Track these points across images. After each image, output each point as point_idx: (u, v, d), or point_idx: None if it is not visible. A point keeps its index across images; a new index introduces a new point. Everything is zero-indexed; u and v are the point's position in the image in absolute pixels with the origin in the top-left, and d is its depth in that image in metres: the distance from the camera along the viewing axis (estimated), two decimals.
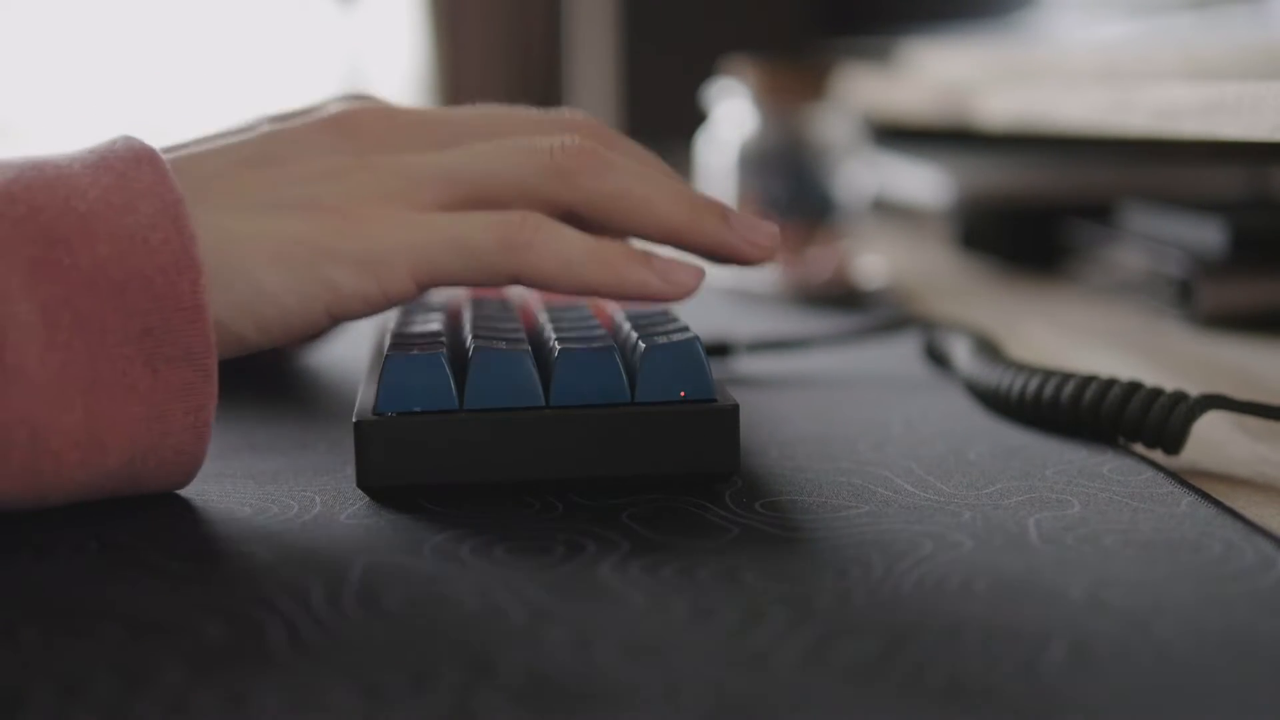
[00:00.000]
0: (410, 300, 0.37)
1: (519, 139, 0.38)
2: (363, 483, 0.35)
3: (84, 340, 0.32)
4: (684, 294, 0.37)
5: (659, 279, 0.36)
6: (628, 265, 0.36)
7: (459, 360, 0.38)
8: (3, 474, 0.32)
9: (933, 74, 0.91)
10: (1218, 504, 0.35)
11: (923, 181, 0.89)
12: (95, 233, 0.32)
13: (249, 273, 0.34)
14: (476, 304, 0.44)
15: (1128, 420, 0.40)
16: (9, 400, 0.31)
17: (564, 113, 0.40)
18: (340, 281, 0.35)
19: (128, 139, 0.35)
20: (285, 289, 0.35)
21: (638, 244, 0.41)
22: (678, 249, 0.38)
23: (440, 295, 0.49)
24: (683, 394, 0.36)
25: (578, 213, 0.37)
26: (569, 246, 0.36)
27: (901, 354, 0.54)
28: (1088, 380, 0.41)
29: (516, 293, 0.50)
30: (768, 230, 0.39)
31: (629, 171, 0.38)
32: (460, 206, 0.37)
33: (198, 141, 0.38)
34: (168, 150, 0.36)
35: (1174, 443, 0.39)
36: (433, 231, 0.36)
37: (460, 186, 0.37)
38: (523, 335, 0.38)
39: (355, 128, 0.38)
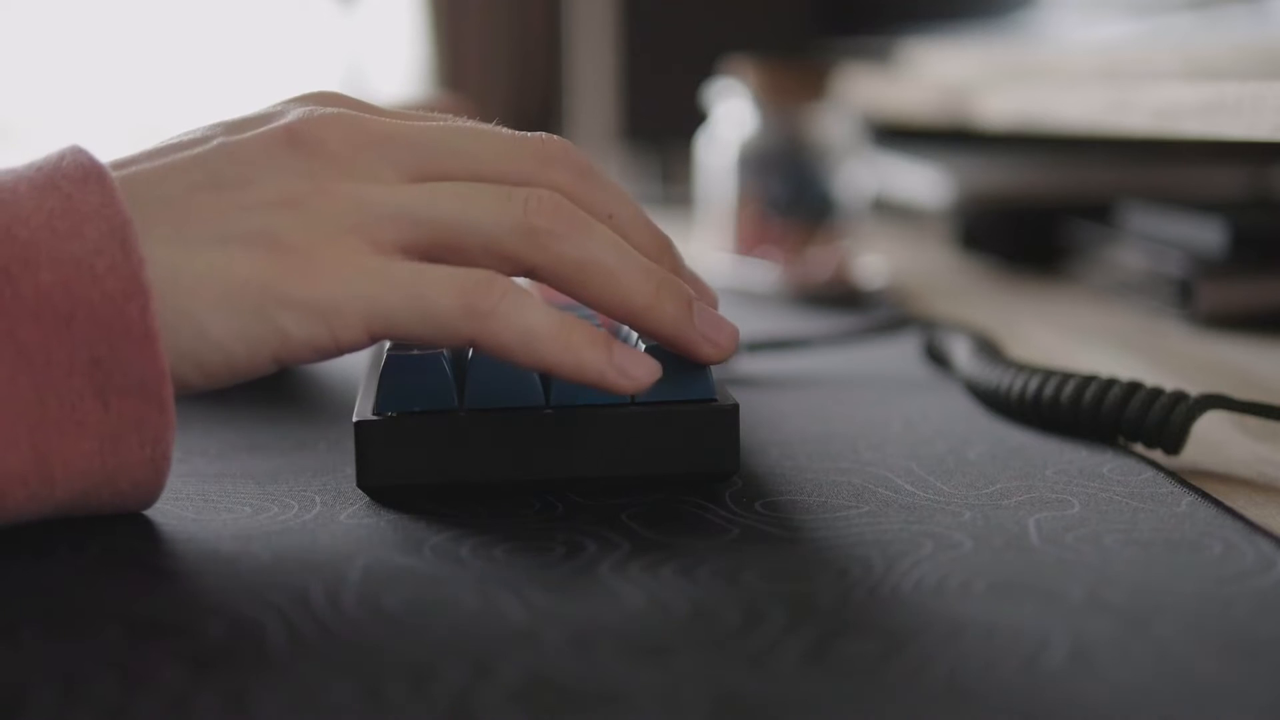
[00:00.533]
0: (362, 349, 0.35)
1: (491, 187, 0.35)
2: (363, 483, 0.35)
3: (29, 374, 0.30)
4: (637, 389, 0.34)
5: (615, 372, 0.34)
6: (589, 351, 0.34)
7: (459, 360, 0.38)
8: None
9: (933, 74, 0.91)
10: (1218, 504, 0.35)
11: (923, 181, 0.89)
12: (38, 261, 0.31)
13: (194, 316, 0.32)
14: None
15: (1128, 420, 0.40)
16: None
17: (540, 138, 0.37)
18: (290, 329, 0.33)
19: (76, 152, 0.33)
20: (231, 334, 0.32)
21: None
22: (629, 326, 0.36)
23: None
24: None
25: (540, 275, 0.35)
26: (533, 320, 0.34)
27: (901, 354, 0.54)
28: (1088, 380, 0.41)
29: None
30: (729, 331, 0.37)
31: (601, 241, 0.35)
32: (421, 249, 0.35)
33: (148, 155, 0.35)
34: (117, 166, 0.34)
35: (1174, 443, 0.39)
36: (392, 286, 0.33)
37: (423, 229, 0.34)
38: None
39: (316, 144, 0.35)
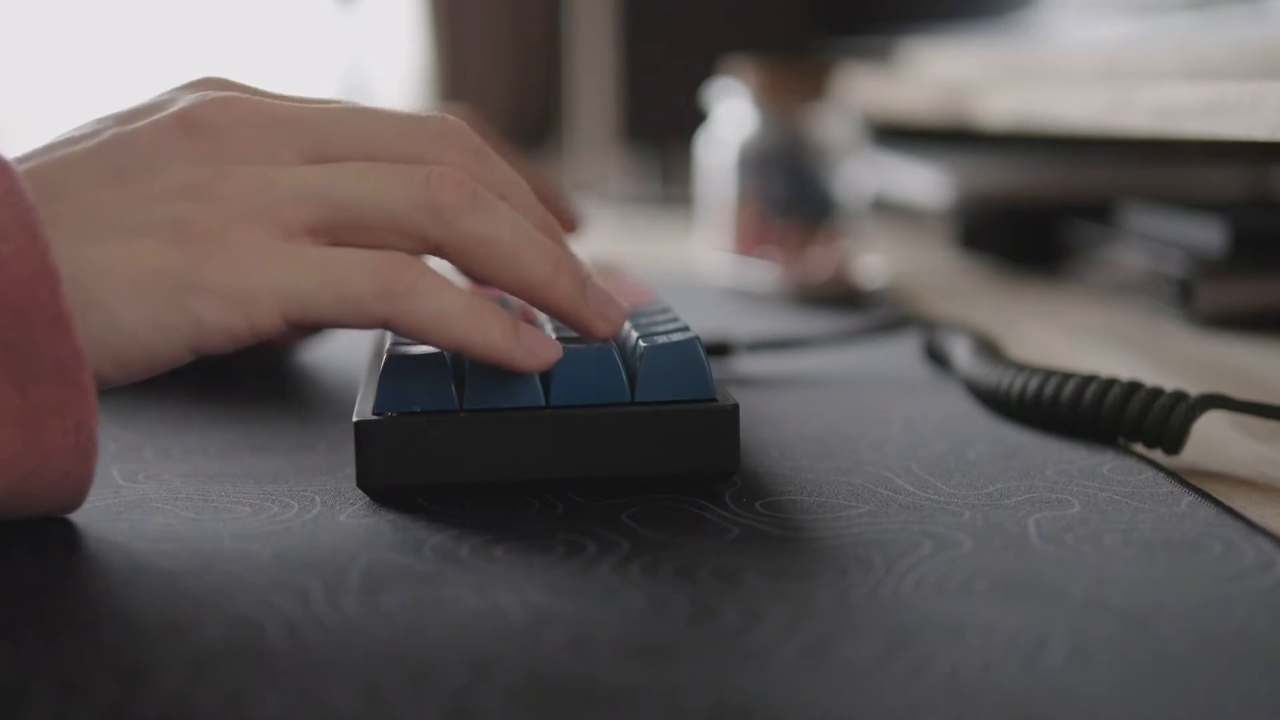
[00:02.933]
0: (278, 335, 0.35)
1: (393, 165, 0.36)
2: (363, 483, 0.35)
3: None
4: (541, 366, 0.35)
5: (523, 352, 0.35)
6: (499, 331, 0.35)
7: (459, 360, 0.38)
8: None
9: (933, 74, 0.90)
10: (1218, 504, 0.35)
11: (923, 181, 0.89)
12: None
13: (105, 305, 0.32)
14: None
15: (1128, 420, 0.40)
16: None
17: (435, 117, 0.37)
18: (205, 316, 0.33)
19: None
20: (144, 323, 0.32)
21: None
22: (527, 301, 0.37)
23: None
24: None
25: (443, 251, 0.36)
26: (447, 301, 0.34)
27: (901, 354, 0.54)
28: (1088, 380, 0.41)
29: None
30: (618, 308, 0.38)
31: (502, 218, 0.36)
32: (328, 229, 0.35)
33: (44, 150, 0.35)
34: (18, 160, 0.34)
35: (1174, 443, 0.39)
36: (306, 270, 0.33)
37: (329, 209, 0.34)
38: None
39: (210, 128, 0.35)
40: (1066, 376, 0.42)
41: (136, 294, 0.32)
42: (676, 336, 0.37)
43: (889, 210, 1.01)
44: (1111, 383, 0.40)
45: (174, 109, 0.35)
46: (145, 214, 0.33)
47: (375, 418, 0.35)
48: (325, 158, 0.36)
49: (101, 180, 0.33)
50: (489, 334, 0.35)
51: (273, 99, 0.37)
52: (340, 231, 0.35)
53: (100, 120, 0.36)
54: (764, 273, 0.71)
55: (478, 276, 0.36)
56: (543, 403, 0.36)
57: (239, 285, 0.33)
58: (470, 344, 0.35)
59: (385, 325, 0.34)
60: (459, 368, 0.37)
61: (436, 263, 0.41)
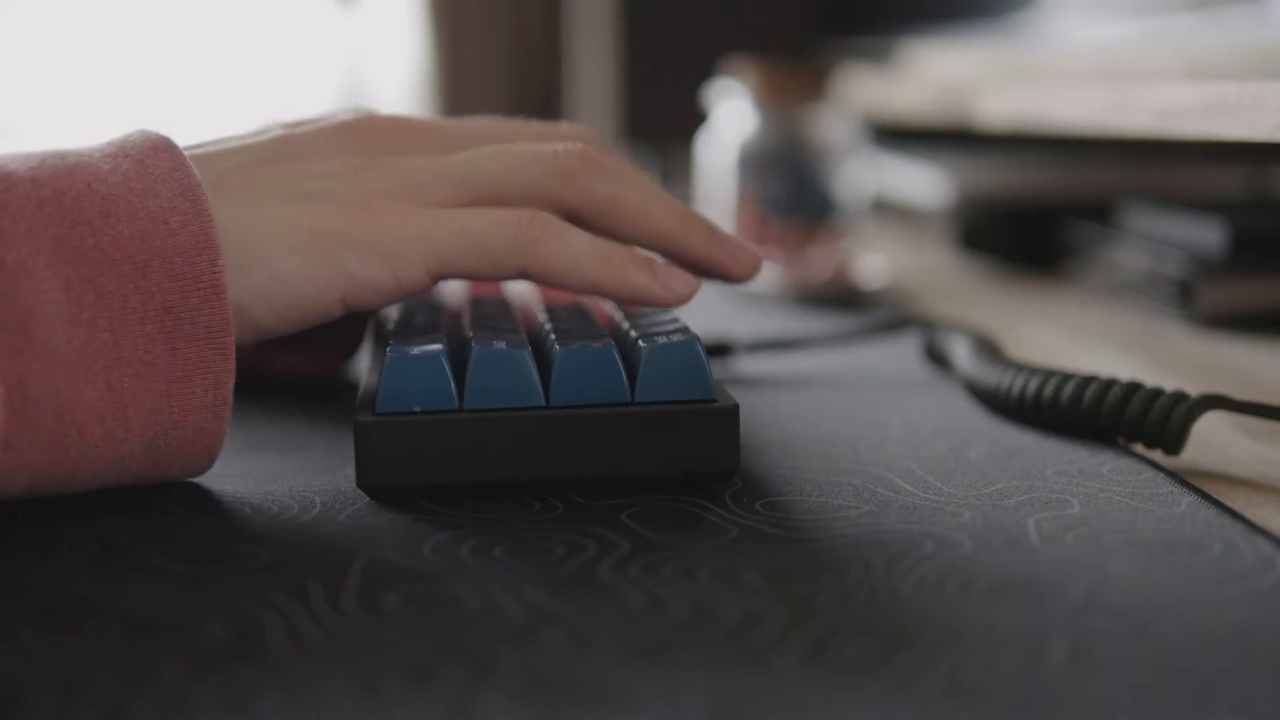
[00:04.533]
0: (422, 290, 0.38)
1: (524, 144, 0.40)
2: (363, 483, 0.35)
3: (107, 318, 0.33)
4: (680, 301, 0.39)
5: (659, 284, 0.39)
6: (632, 268, 0.38)
7: (459, 360, 0.38)
8: (33, 445, 0.32)
9: (933, 74, 0.90)
10: (1218, 504, 0.35)
11: (923, 181, 0.89)
12: (117, 214, 0.33)
13: (268, 259, 0.36)
14: (476, 303, 0.44)
15: (1128, 420, 0.40)
16: (37, 374, 0.32)
17: (563, 126, 0.43)
18: (356, 270, 0.36)
19: (143, 131, 0.36)
20: (303, 275, 0.36)
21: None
22: (666, 256, 0.41)
23: (440, 295, 0.49)
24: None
25: (578, 214, 0.39)
26: (576, 245, 0.38)
27: (901, 354, 0.54)
28: (1088, 380, 0.41)
29: (517, 291, 0.50)
30: (753, 251, 0.42)
31: (627, 178, 0.40)
32: (467, 205, 0.38)
33: (213, 142, 0.39)
34: (185, 148, 0.37)
35: (1174, 443, 0.39)
36: (445, 225, 0.37)
37: (467, 187, 0.38)
38: (522, 335, 0.38)
39: (367, 132, 0.39)
40: (1066, 377, 0.42)
41: (296, 250, 0.36)
42: (676, 337, 0.37)
43: (889, 210, 1.01)
44: (1111, 383, 0.40)
45: (338, 119, 0.40)
46: (304, 186, 0.37)
47: (375, 418, 0.35)
48: (463, 149, 0.40)
49: (265, 161, 0.38)
50: (624, 273, 0.38)
51: (418, 119, 0.42)
52: (478, 205, 0.39)
53: (267, 125, 0.41)
54: (764, 273, 0.71)
55: (613, 234, 0.40)
56: (543, 403, 0.36)
57: (386, 240, 0.37)
58: (605, 282, 0.38)
59: (522, 274, 0.38)
60: (459, 368, 0.37)
61: None
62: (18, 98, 1.62)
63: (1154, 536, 0.32)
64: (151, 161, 0.34)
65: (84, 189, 0.33)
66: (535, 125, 0.43)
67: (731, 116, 0.76)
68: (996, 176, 0.84)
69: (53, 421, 0.32)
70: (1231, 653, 0.26)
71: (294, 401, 0.47)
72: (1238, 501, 0.36)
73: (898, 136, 1.01)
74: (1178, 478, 0.37)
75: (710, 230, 0.41)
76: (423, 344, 0.37)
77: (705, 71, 1.04)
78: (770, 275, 0.70)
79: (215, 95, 1.66)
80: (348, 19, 1.67)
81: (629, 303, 0.39)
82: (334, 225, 0.36)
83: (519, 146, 0.40)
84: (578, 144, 0.40)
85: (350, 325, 0.49)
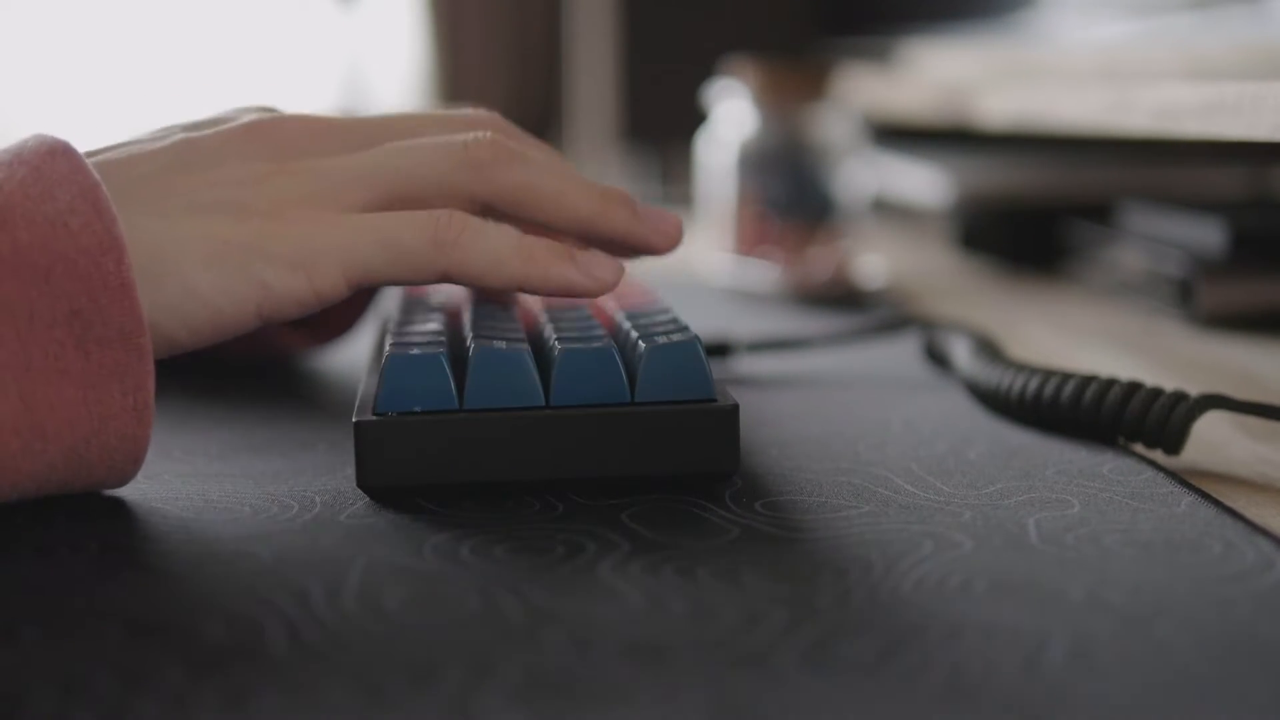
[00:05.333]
0: (341, 299, 0.37)
1: (433, 137, 0.39)
2: (363, 483, 0.35)
3: (13, 327, 0.32)
4: (605, 289, 0.38)
5: (582, 275, 0.38)
6: (553, 261, 0.37)
7: (459, 360, 0.38)
8: None
9: (933, 74, 0.91)
10: (1218, 504, 0.35)
11: (923, 181, 0.89)
12: (14, 221, 0.32)
13: (180, 273, 0.35)
14: (476, 304, 0.44)
15: (1128, 420, 0.40)
16: None
17: (468, 112, 0.41)
18: (272, 281, 0.36)
19: (39, 136, 0.35)
20: (216, 289, 0.35)
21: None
22: (587, 240, 0.40)
23: (440, 295, 0.49)
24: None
25: (492, 205, 0.39)
26: (496, 243, 0.37)
27: (901, 354, 0.54)
28: (1088, 380, 0.41)
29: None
30: (673, 220, 0.41)
31: (539, 164, 0.39)
32: (381, 206, 0.38)
33: (113, 147, 0.38)
34: (86, 153, 0.36)
35: (1174, 443, 0.39)
36: (362, 232, 0.36)
37: (379, 185, 0.38)
38: (523, 335, 0.38)
39: (272, 134, 0.38)
40: (1066, 377, 0.42)
41: (209, 263, 0.35)
42: (676, 337, 0.37)
43: (889, 210, 1.01)
44: (1111, 383, 0.40)
45: (241, 121, 0.39)
46: (213, 195, 0.36)
47: (375, 418, 0.35)
48: (370, 146, 0.39)
49: (171, 169, 0.37)
50: (546, 267, 0.37)
51: (322, 117, 0.40)
52: (393, 204, 0.38)
53: (167, 128, 0.39)
54: (764, 273, 0.71)
55: (531, 221, 0.39)
56: (543, 403, 0.36)
57: (302, 250, 0.36)
58: (528, 278, 0.37)
59: (443, 277, 0.37)
60: (459, 368, 0.37)
61: None
62: (17, 97, 1.62)
63: (1154, 536, 0.32)
64: (48, 166, 0.33)
65: None
66: (442, 114, 0.41)
67: (731, 116, 0.76)
68: (996, 176, 0.84)
69: None
70: (1231, 653, 0.26)
71: (294, 401, 0.47)
72: (1238, 501, 0.36)
73: (898, 136, 1.01)
74: (1178, 478, 0.37)
75: (629, 206, 0.40)
76: (423, 344, 0.37)
77: (705, 71, 1.04)
78: (770, 275, 0.70)
79: (215, 95, 1.66)
80: (348, 19, 1.67)
81: (554, 295, 0.38)
82: (248, 237, 0.35)
83: (427, 140, 0.39)
84: (487, 132, 0.39)
85: (354, 299, 0.49)
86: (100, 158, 0.37)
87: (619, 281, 0.38)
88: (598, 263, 0.38)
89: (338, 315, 0.50)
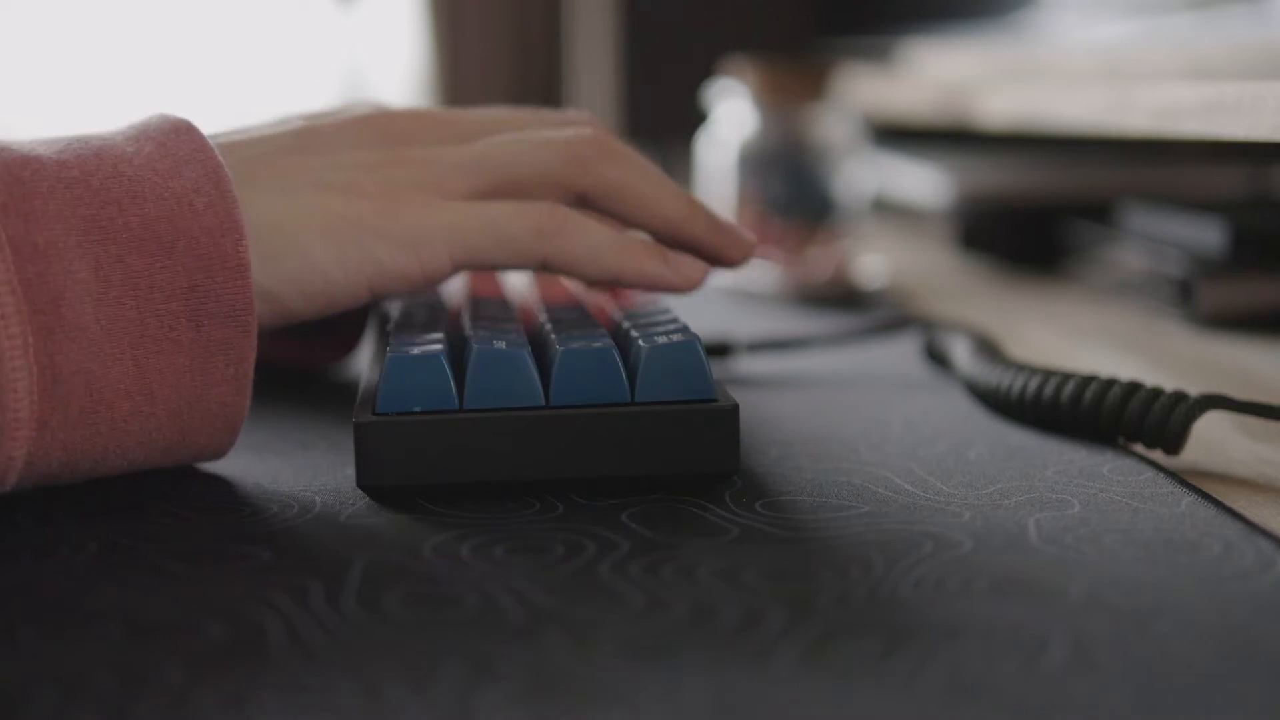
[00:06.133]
0: (446, 279, 0.39)
1: (536, 131, 0.41)
2: (363, 483, 0.35)
3: (134, 296, 0.33)
4: (692, 287, 0.41)
5: (673, 271, 0.40)
6: (647, 257, 0.40)
7: (459, 360, 0.38)
8: (65, 423, 0.33)
9: (933, 74, 0.91)
10: (1218, 504, 0.35)
11: (923, 181, 0.89)
12: (143, 195, 0.34)
13: (299, 245, 0.37)
14: (476, 303, 0.44)
15: (1128, 420, 0.39)
16: (68, 354, 0.33)
17: (574, 113, 0.44)
18: (384, 258, 0.37)
19: (163, 114, 0.37)
20: (332, 262, 0.37)
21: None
22: (670, 243, 0.42)
23: (440, 294, 0.49)
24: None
25: (589, 199, 0.41)
26: (595, 235, 0.39)
27: (901, 354, 0.54)
28: (1088, 380, 0.41)
29: (516, 291, 0.50)
30: (749, 237, 0.43)
31: (636, 165, 0.41)
32: (486, 195, 0.40)
33: (234, 131, 0.40)
34: (208, 135, 0.38)
35: (1174, 443, 0.39)
36: (470, 217, 0.38)
37: (485, 175, 0.40)
38: (522, 335, 0.38)
39: (385, 125, 0.41)
40: (1066, 377, 0.42)
41: (326, 236, 0.37)
42: (676, 337, 0.37)
43: (889, 210, 1.01)
44: (1111, 383, 0.40)
45: (356, 112, 0.41)
46: (330, 176, 0.38)
47: (375, 418, 0.35)
48: (477, 139, 0.41)
49: (291, 151, 0.39)
50: (641, 261, 0.40)
51: (432, 111, 0.43)
52: (497, 193, 0.40)
53: (288, 117, 0.41)
54: (764, 273, 0.71)
55: (622, 219, 0.41)
56: (543, 403, 0.36)
57: (413, 230, 0.38)
58: (624, 271, 0.40)
59: (544, 264, 0.39)
60: (459, 368, 0.37)
61: None
62: (17, 97, 1.62)
63: (1154, 536, 0.32)
64: (173, 143, 0.35)
65: (111, 170, 0.34)
66: (546, 113, 0.44)
67: (731, 116, 0.76)
68: (996, 176, 0.84)
69: (83, 399, 0.33)
70: (1231, 653, 0.26)
71: (294, 401, 0.47)
72: (1238, 501, 0.36)
73: (898, 136, 1.01)
74: (1178, 478, 0.37)
75: (711, 217, 0.42)
76: (423, 344, 0.37)
77: (705, 71, 1.04)
78: (770, 275, 0.70)
79: (215, 95, 1.66)
80: (348, 19, 1.67)
81: (646, 289, 0.41)
82: (363, 215, 0.37)
83: (532, 133, 0.41)
84: (588, 129, 0.41)
85: (352, 319, 0.49)
86: (223, 139, 0.38)
87: (705, 281, 0.41)
88: (686, 262, 0.41)
89: (338, 335, 0.50)
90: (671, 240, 0.42)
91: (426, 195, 0.39)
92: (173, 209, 0.34)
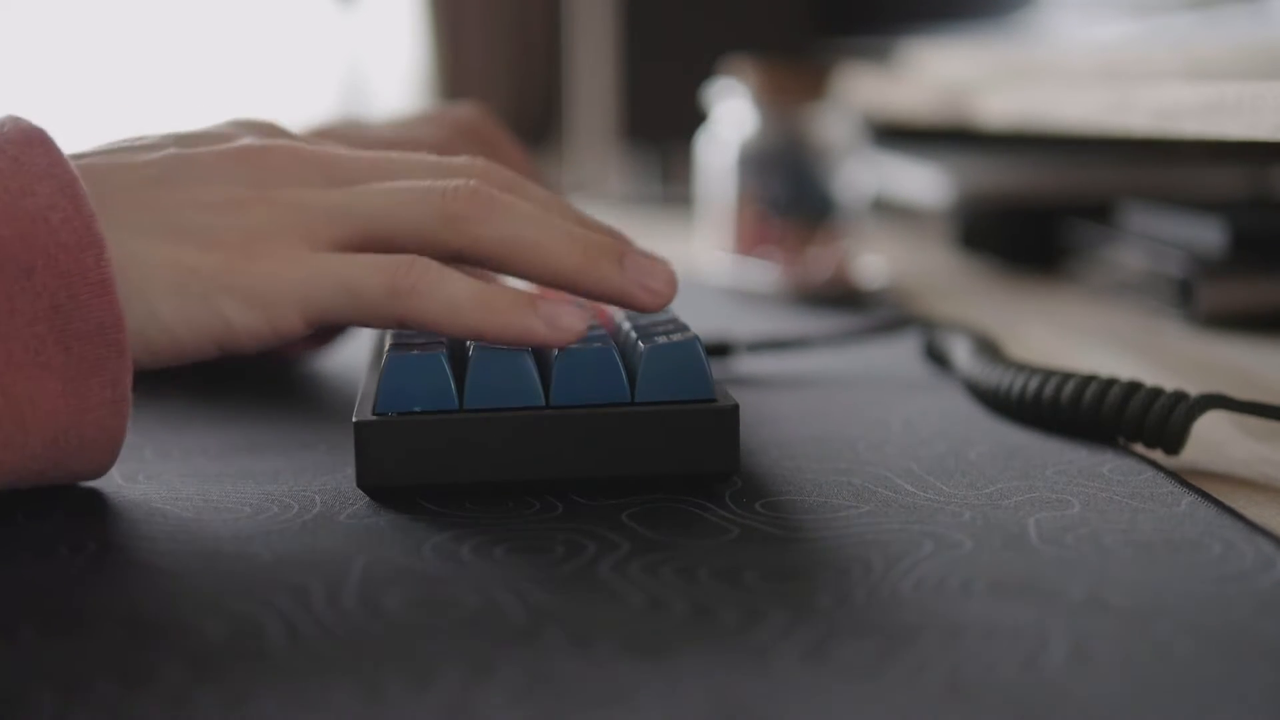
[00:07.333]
0: (300, 337, 0.37)
1: (414, 181, 0.38)
2: (363, 483, 0.35)
3: None
4: (568, 340, 0.36)
5: (544, 325, 0.36)
6: (513, 311, 0.36)
7: (459, 360, 0.38)
8: None
9: (933, 74, 0.91)
10: (1218, 504, 0.35)
11: (923, 181, 0.89)
12: None
13: (147, 298, 0.35)
14: None
15: (1128, 420, 0.39)
16: None
17: (463, 160, 0.40)
18: (233, 317, 0.35)
19: (15, 120, 0.35)
20: (178, 318, 0.35)
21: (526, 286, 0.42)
22: (571, 294, 0.38)
23: None
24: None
25: (467, 259, 0.37)
26: (453, 292, 0.36)
27: (901, 354, 0.54)
28: (1088, 380, 0.41)
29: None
30: (664, 274, 0.38)
31: (521, 216, 0.37)
32: (355, 245, 0.37)
33: (101, 151, 0.38)
34: (72, 157, 0.36)
35: (1174, 443, 0.39)
36: (322, 274, 0.36)
37: (353, 225, 0.37)
38: None
39: (260, 159, 0.38)
40: (1066, 376, 0.42)
41: (174, 290, 0.35)
42: (676, 337, 0.37)
43: (889, 210, 1.01)
44: (1111, 383, 0.40)
45: (236, 144, 0.38)
46: (188, 218, 0.36)
47: (375, 418, 0.35)
48: (353, 183, 0.38)
49: (154, 182, 0.36)
50: (506, 318, 0.36)
51: (314, 148, 0.40)
52: (367, 245, 0.37)
53: (162, 137, 0.39)
54: (764, 273, 0.71)
55: (512, 275, 0.38)
56: (543, 403, 0.36)
57: (262, 287, 0.36)
58: (484, 328, 0.36)
59: (400, 323, 0.36)
60: (459, 368, 0.37)
61: None
62: (17, 97, 1.62)
63: (1154, 536, 0.32)
64: (26, 158, 0.33)
65: None
66: (436, 159, 0.40)
67: (731, 116, 0.76)
68: (996, 176, 0.84)
69: None
70: (1231, 653, 0.26)
71: (294, 401, 0.47)
72: (1238, 501, 0.36)
73: (898, 136, 1.01)
74: (1178, 478, 0.37)
75: (616, 259, 0.38)
76: (423, 344, 0.37)
77: (705, 71, 1.04)
78: (770, 275, 0.70)
79: (215, 95, 1.66)
80: (348, 19, 1.67)
81: (515, 345, 0.36)
82: (215, 269, 0.35)
83: (407, 184, 0.38)
84: (470, 181, 0.38)
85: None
86: (85, 161, 0.36)
87: (585, 331, 0.36)
88: (561, 312, 0.36)
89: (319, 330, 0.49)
90: (571, 293, 0.38)
91: (288, 244, 0.36)
92: (27, 229, 0.32)
